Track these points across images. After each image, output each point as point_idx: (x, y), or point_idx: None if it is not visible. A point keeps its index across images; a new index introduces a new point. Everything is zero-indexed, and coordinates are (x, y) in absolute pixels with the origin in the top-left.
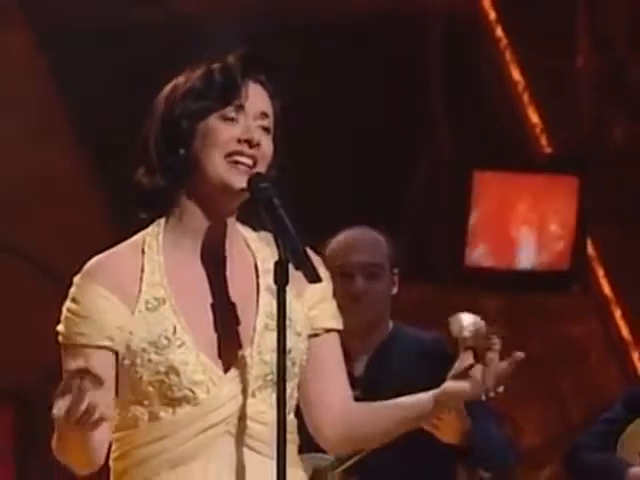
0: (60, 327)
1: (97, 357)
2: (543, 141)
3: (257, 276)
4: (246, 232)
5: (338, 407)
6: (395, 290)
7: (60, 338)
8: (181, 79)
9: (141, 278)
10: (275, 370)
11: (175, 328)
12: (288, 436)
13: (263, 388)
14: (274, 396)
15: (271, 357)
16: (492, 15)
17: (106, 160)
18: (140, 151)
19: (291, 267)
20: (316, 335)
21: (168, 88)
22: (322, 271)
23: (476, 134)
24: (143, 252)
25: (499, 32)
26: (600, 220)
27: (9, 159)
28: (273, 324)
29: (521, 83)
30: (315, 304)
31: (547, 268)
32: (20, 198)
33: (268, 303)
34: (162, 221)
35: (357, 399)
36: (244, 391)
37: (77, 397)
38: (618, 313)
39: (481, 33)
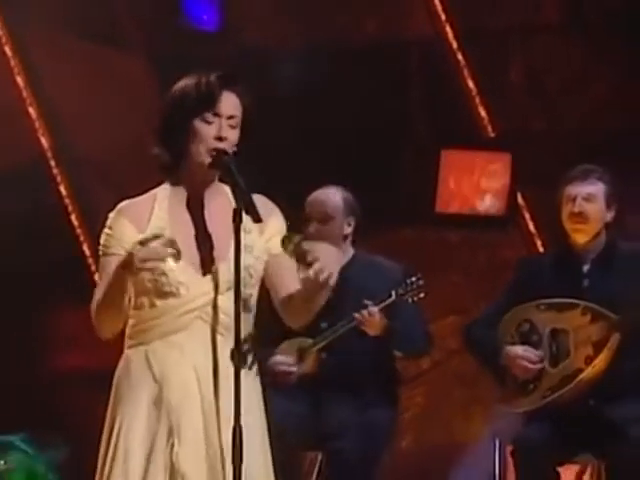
0: (100, 245)
1: (117, 261)
2: (489, 129)
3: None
4: (225, 188)
5: (289, 292)
6: (349, 230)
7: (100, 252)
8: (180, 85)
9: (151, 214)
10: (231, 278)
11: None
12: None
13: (229, 290)
14: (225, 294)
15: (230, 269)
16: (454, 44)
17: None
18: (154, 134)
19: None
20: (274, 256)
21: (176, 86)
22: (278, 217)
23: (443, 125)
24: (155, 199)
25: (459, 55)
26: (526, 181)
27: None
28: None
29: (474, 89)
30: (271, 237)
31: (492, 214)
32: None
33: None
34: (168, 182)
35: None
36: (215, 290)
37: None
38: (539, 243)
39: (446, 55)
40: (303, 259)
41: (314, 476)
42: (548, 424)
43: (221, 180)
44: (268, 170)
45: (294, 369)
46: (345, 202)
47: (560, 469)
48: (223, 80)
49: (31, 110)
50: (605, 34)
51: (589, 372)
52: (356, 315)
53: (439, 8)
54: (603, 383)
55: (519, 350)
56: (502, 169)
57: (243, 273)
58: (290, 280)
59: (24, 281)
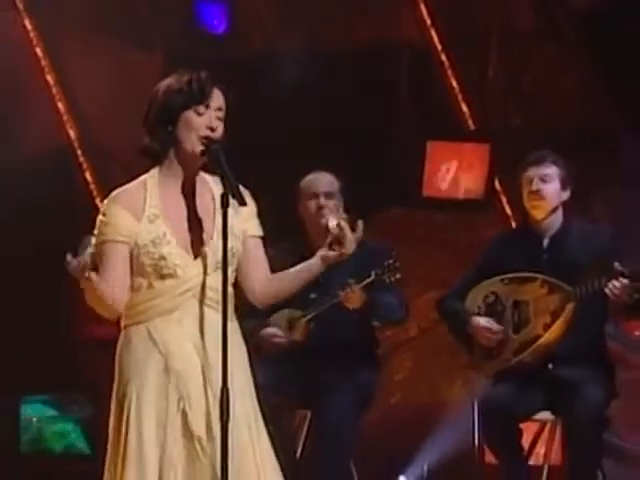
0: (95, 232)
1: (116, 248)
2: (470, 122)
3: (214, 203)
4: (207, 177)
5: (260, 279)
6: (341, 209)
7: (95, 239)
8: (172, 79)
9: (144, 202)
10: (220, 258)
11: (165, 233)
12: (228, 298)
13: (216, 269)
14: (220, 273)
15: (217, 250)
16: (439, 47)
17: None
18: (145, 125)
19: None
20: (247, 238)
21: (166, 82)
22: (250, 202)
23: (429, 119)
24: (145, 187)
25: (443, 57)
26: (503, 169)
27: None
28: (218, 231)
29: (457, 88)
30: (246, 220)
31: (473, 198)
32: None
33: (214, 219)
34: (157, 169)
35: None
36: (205, 271)
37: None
38: (514, 224)
39: (432, 57)
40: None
41: (304, 431)
42: (511, 386)
43: (203, 169)
44: (271, 157)
45: (284, 339)
46: (339, 183)
47: (522, 426)
48: (213, 77)
49: (60, 105)
50: (573, 38)
51: (547, 338)
52: (340, 292)
53: (426, 15)
54: (560, 348)
55: (482, 321)
56: (481, 158)
57: (228, 253)
58: (260, 264)
59: (57, 257)
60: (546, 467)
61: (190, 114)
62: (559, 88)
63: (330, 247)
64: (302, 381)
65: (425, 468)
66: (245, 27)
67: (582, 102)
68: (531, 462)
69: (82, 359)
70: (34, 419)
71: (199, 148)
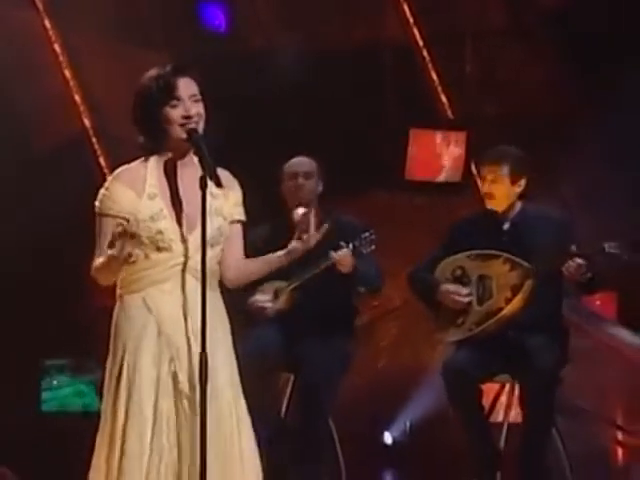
0: (97, 204)
1: (114, 222)
2: (448, 112)
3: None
4: (197, 161)
5: (233, 263)
6: (320, 190)
7: (96, 210)
8: (144, 80)
9: (145, 180)
10: (211, 235)
11: (162, 210)
12: (212, 271)
13: (207, 246)
14: (208, 250)
15: (210, 229)
16: (421, 44)
17: None
18: (135, 125)
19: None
20: (232, 222)
21: (140, 84)
22: (237, 189)
23: (411, 109)
24: (146, 167)
25: (425, 53)
26: (478, 154)
27: None
28: (211, 210)
29: (436, 80)
30: (232, 206)
31: (451, 181)
32: None
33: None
34: (154, 156)
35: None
36: (196, 247)
37: (120, 246)
38: None
39: (414, 53)
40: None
41: (288, 393)
42: (473, 350)
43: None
44: (266, 145)
45: (270, 305)
46: (317, 166)
47: (482, 387)
48: (176, 69)
49: (77, 97)
50: (541, 36)
51: (508, 310)
52: (333, 254)
53: (409, 16)
54: (520, 318)
55: (450, 287)
56: (459, 145)
57: (216, 232)
58: (238, 248)
59: (77, 234)
60: (506, 424)
61: (166, 110)
62: (528, 81)
63: (298, 238)
64: (286, 346)
65: (408, 425)
66: (244, 28)
67: (549, 94)
68: (492, 420)
69: (97, 327)
70: (54, 382)
71: (184, 135)
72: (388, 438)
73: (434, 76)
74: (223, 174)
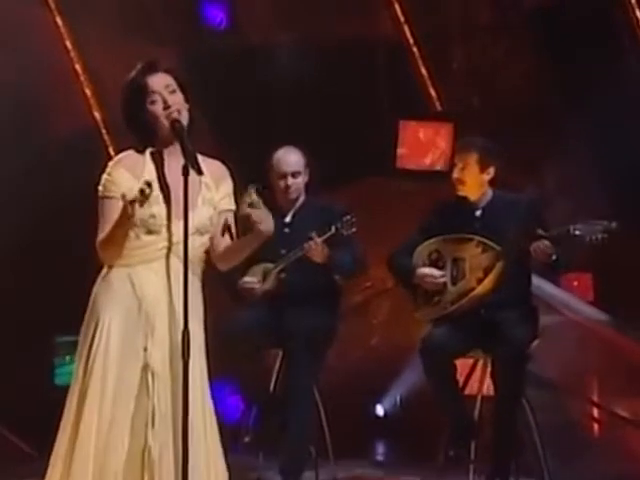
0: (100, 187)
1: (117, 204)
2: (437, 104)
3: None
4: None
5: (222, 248)
6: (306, 179)
7: (99, 193)
8: (123, 83)
9: (143, 166)
10: (202, 223)
11: (157, 195)
12: (198, 257)
13: (193, 234)
14: (197, 238)
15: (199, 218)
16: (411, 41)
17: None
18: (126, 126)
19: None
20: (221, 212)
21: (121, 87)
22: (227, 178)
23: (401, 101)
24: (145, 154)
25: (415, 49)
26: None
27: None
28: (203, 200)
29: (425, 74)
30: (223, 197)
31: (438, 169)
32: None
33: (199, 191)
34: (150, 148)
35: (292, 225)
36: (184, 232)
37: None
38: None
39: (405, 50)
40: (248, 220)
41: (276, 367)
42: (449, 328)
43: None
44: (270, 135)
45: (258, 286)
46: (304, 158)
47: (457, 362)
48: (144, 69)
49: (87, 90)
50: (523, 32)
51: (479, 289)
52: (305, 245)
53: (400, 14)
54: (492, 297)
55: (426, 270)
56: (446, 135)
57: (206, 221)
58: (227, 236)
59: (90, 216)
60: (479, 397)
61: (147, 107)
62: (511, 75)
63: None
64: (274, 324)
65: (398, 398)
66: (244, 25)
67: (531, 87)
68: (467, 392)
69: None
70: (67, 357)
71: (168, 125)
72: (380, 410)
73: (423, 71)
74: (215, 164)
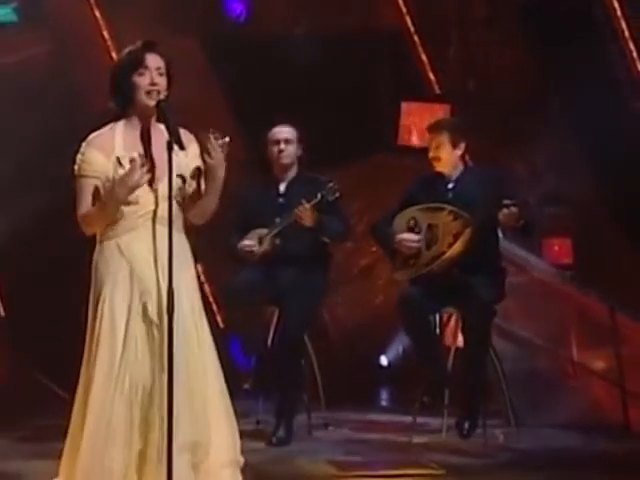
0: (75, 167)
1: (92, 181)
2: (436, 87)
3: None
4: (161, 126)
5: (197, 204)
6: (300, 153)
7: (75, 172)
8: (121, 55)
9: (113, 144)
10: (175, 191)
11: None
12: (175, 215)
13: (166, 199)
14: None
15: (175, 184)
16: (412, 29)
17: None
18: (108, 92)
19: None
20: (192, 175)
21: (116, 58)
22: (193, 146)
23: (403, 84)
24: (114, 132)
25: (416, 37)
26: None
27: None
28: (177, 170)
29: (425, 60)
30: (192, 158)
31: None
32: None
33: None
34: (121, 121)
35: (285, 195)
36: (157, 200)
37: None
38: None
39: (407, 37)
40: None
41: (273, 324)
42: (424, 286)
43: (158, 120)
44: (285, 114)
45: (255, 249)
46: (297, 133)
47: (431, 317)
48: (145, 45)
49: None
50: (514, 23)
51: (449, 253)
52: (295, 210)
53: (402, 5)
54: (463, 260)
55: (405, 235)
56: (444, 115)
57: (182, 184)
58: (197, 192)
59: None
60: (453, 348)
61: (135, 77)
62: (504, 62)
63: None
64: (270, 283)
65: (400, 349)
66: (261, 16)
67: (521, 73)
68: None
69: None
70: None
71: (149, 102)
72: (384, 360)
73: (424, 57)
74: (182, 132)
